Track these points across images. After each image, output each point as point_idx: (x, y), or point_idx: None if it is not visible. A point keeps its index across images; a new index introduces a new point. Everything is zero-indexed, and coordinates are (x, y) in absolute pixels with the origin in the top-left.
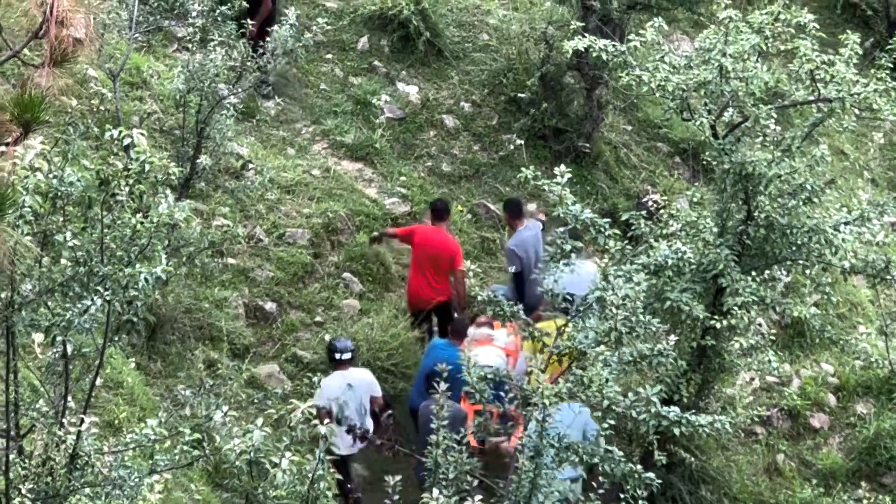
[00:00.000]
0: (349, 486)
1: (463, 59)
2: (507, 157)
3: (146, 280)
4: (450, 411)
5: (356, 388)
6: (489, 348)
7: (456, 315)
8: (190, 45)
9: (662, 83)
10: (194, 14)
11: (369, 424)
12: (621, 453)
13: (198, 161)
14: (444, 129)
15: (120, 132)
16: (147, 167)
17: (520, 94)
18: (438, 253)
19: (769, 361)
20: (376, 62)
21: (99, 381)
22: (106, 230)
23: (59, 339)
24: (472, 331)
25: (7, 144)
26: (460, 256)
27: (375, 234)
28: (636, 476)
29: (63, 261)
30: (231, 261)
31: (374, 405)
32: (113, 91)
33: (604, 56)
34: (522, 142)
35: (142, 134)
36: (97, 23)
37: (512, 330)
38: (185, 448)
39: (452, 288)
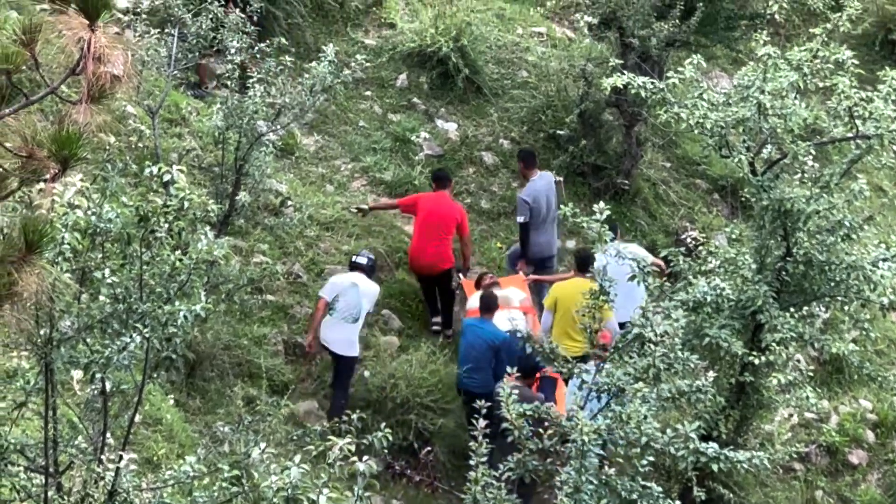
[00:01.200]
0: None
1: (502, 96)
2: None
3: (185, 317)
4: (521, 396)
5: (359, 288)
6: (501, 313)
7: (461, 277)
8: (229, 82)
9: (701, 120)
10: (233, 51)
11: (353, 338)
12: (660, 489)
13: (237, 198)
14: (482, 166)
15: (159, 169)
16: (186, 204)
17: (559, 132)
18: (444, 219)
19: (807, 398)
20: (415, 99)
21: (138, 418)
22: (145, 267)
23: (97, 375)
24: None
25: (45, 181)
26: (466, 221)
27: (365, 206)
28: None
29: (102, 298)
30: (270, 298)
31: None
32: (152, 128)
33: (642, 93)
34: (561, 179)
35: (181, 171)
36: (136, 60)
37: (524, 286)
38: (224, 485)
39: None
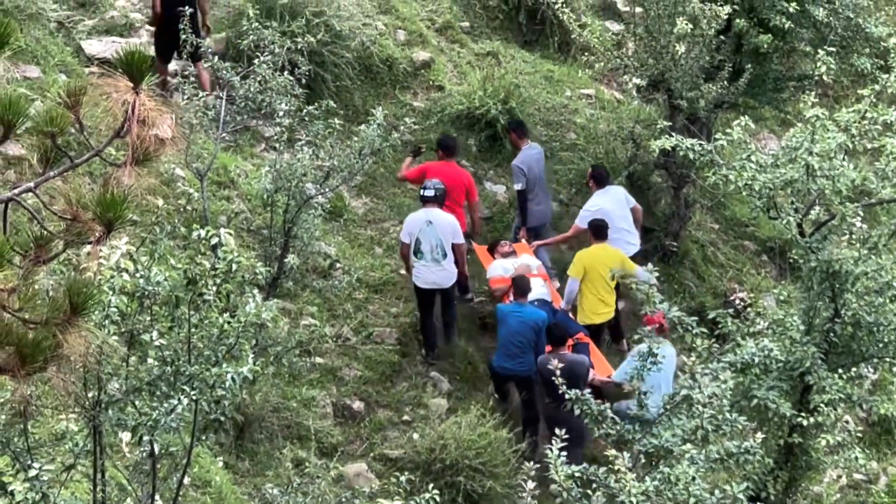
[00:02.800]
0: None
1: (550, 158)
2: None
3: (233, 379)
4: (569, 363)
5: (435, 225)
6: (535, 281)
7: (473, 243)
8: (277, 145)
9: (749, 182)
10: (281, 114)
11: (451, 269)
12: None
13: (285, 260)
14: None
15: (207, 232)
16: (234, 267)
17: None
18: (453, 186)
19: (856, 459)
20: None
21: (186, 480)
22: (193, 330)
23: (146, 438)
24: (504, 263)
25: (90, 244)
26: (474, 187)
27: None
28: None
29: (150, 360)
30: (319, 360)
31: (457, 253)
32: (200, 191)
33: (691, 155)
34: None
35: (229, 234)
36: (184, 122)
37: (532, 254)
38: None
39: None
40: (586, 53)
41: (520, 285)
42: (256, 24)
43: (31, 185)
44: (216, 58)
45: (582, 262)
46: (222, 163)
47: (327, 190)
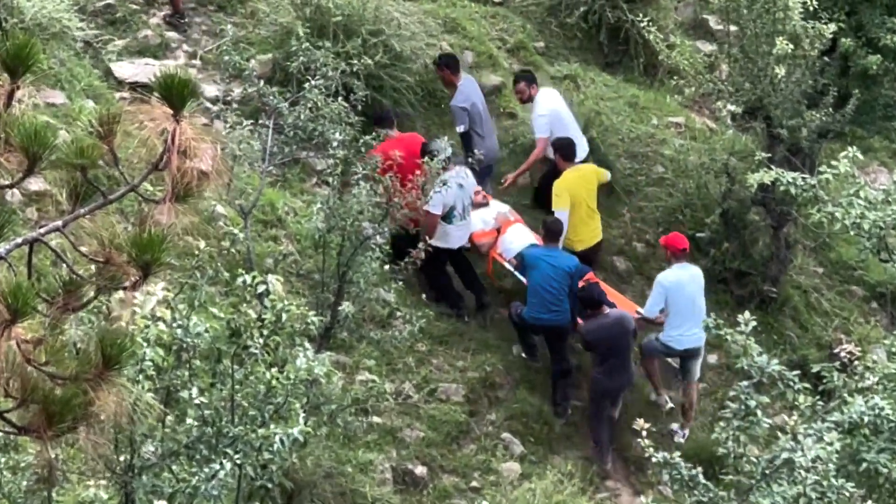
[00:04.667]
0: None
1: (635, 193)
2: None
3: (282, 442)
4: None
5: (466, 187)
6: (518, 227)
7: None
8: (330, 179)
9: (858, 220)
10: (335, 144)
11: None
12: None
13: (339, 309)
14: (614, 273)
15: (253, 277)
16: (283, 316)
17: (698, 233)
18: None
19: None
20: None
21: None
22: (237, 386)
23: None
24: (481, 215)
25: (124, 289)
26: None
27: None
28: None
29: (189, 420)
30: (377, 420)
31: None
32: (244, 230)
33: (792, 190)
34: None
35: (277, 279)
36: (226, 154)
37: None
38: None
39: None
40: (675, 77)
41: (552, 228)
42: (307, 44)
43: (59, 223)
44: (261, 82)
45: (567, 191)
46: (269, 199)
47: (386, 230)
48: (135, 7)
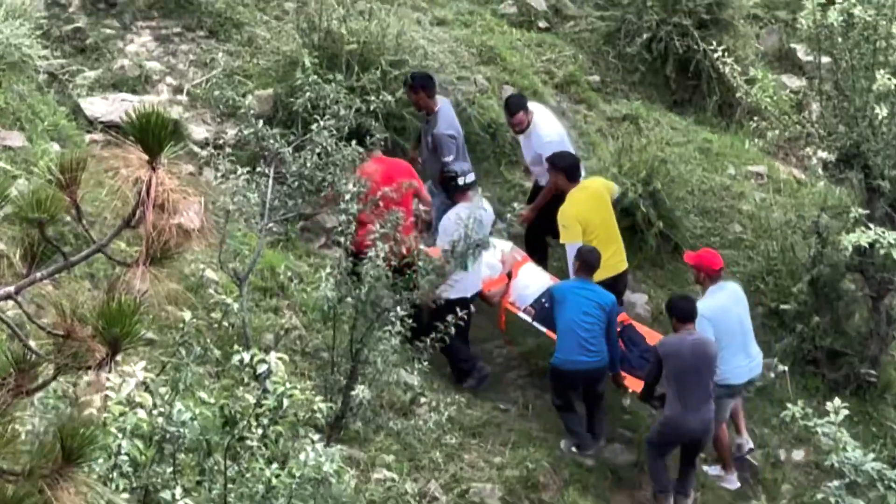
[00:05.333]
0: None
1: None
2: (766, 387)
3: None
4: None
5: (485, 222)
6: (530, 268)
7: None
8: (342, 239)
9: None
10: (348, 197)
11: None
12: None
13: (352, 393)
14: None
15: (252, 356)
16: (285, 402)
17: (783, 305)
18: (395, 180)
19: None
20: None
21: None
22: (230, 485)
23: None
24: (486, 259)
25: (88, 368)
26: (413, 170)
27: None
28: None
29: None
30: None
31: None
32: (239, 299)
33: (894, 254)
34: (786, 368)
35: (279, 357)
36: (217, 208)
37: None
38: None
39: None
40: (755, 118)
41: (587, 259)
42: (315, 76)
43: (11, 289)
44: (260, 122)
45: (576, 219)
46: (269, 262)
47: (408, 300)
48: (109, 32)
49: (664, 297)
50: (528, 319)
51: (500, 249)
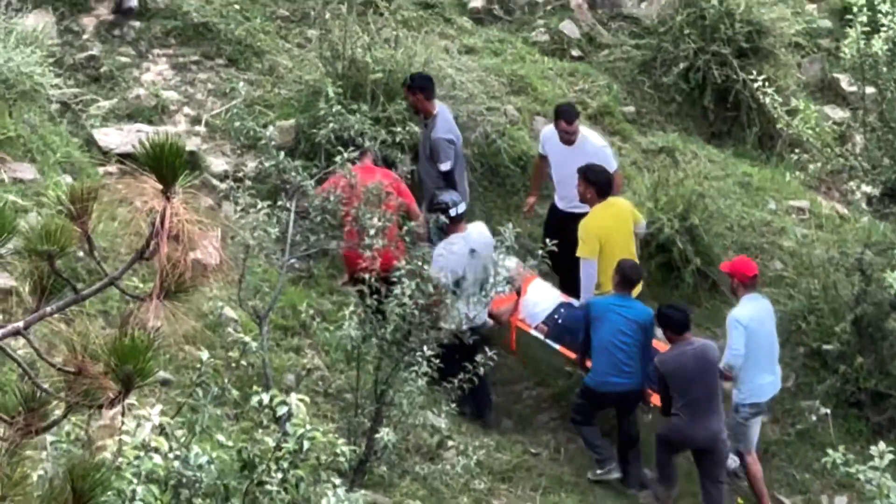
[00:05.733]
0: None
1: None
2: (807, 431)
3: None
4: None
5: (480, 254)
6: (539, 284)
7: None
8: (366, 276)
9: None
10: (373, 232)
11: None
12: None
13: (377, 436)
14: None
15: (270, 396)
16: (306, 445)
17: (825, 345)
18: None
19: None
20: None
21: None
22: None
23: None
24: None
25: (100, 407)
26: (402, 184)
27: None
28: None
29: None
30: None
31: None
32: (259, 338)
33: None
34: (828, 411)
35: (300, 399)
36: (237, 243)
37: None
38: None
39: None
40: (797, 150)
41: (627, 274)
42: (339, 107)
43: (20, 325)
44: (282, 154)
45: (596, 235)
46: (290, 300)
47: (434, 339)
48: (124, 60)
49: (702, 336)
50: (541, 337)
51: (506, 266)
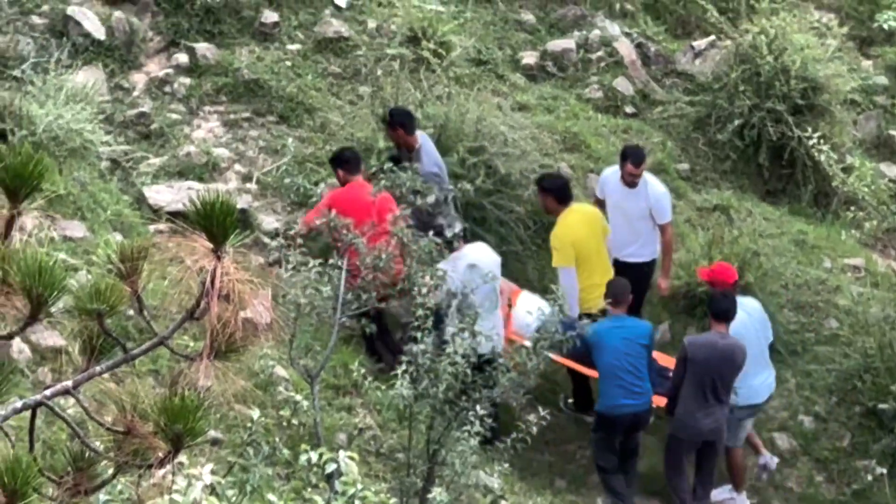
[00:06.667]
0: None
1: (801, 354)
2: (863, 491)
3: None
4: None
5: (481, 270)
6: (528, 296)
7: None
8: (419, 334)
9: None
10: (425, 291)
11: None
12: None
13: (429, 496)
14: (774, 451)
15: (320, 456)
16: None
17: (881, 404)
18: (381, 212)
19: None
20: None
21: None
22: None
23: None
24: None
25: (150, 467)
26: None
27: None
28: None
29: None
30: None
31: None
32: (310, 397)
33: None
34: (884, 471)
35: (351, 458)
36: (287, 302)
37: None
38: None
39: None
40: (852, 208)
41: (616, 292)
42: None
43: (69, 384)
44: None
45: (570, 243)
46: (342, 359)
47: (489, 398)
48: (175, 117)
49: None
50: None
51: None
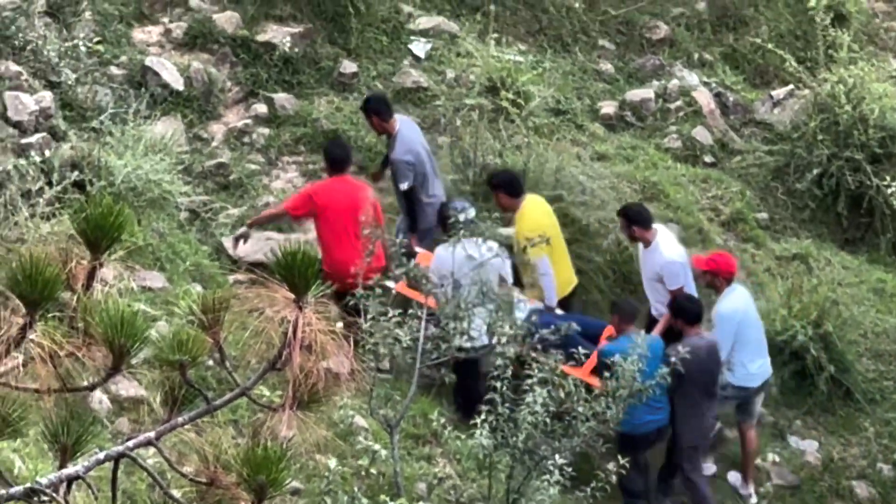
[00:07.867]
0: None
1: (881, 403)
2: None
3: None
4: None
5: (478, 260)
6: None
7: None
8: (498, 384)
9: None
10: (504, 340)
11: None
12: None
13: None
14: (853, 501)
15: None
16: None
17: None
18: (362, 206)
19: None
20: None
21: None
22: None
23: None
24: None
25: None
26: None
27: (244, 228)
28: None
29: None
30: None
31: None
32: (389, 447)
33: None
34: None
35: None
36: (366, 352)
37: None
38: None
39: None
40: None
41: (624, 309)
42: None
43: (152, 435)
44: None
45: (542, 230)
46: (421, 409)
47: (566, 447)
48: (253, 167)
49: (836, 444)
50: None
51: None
